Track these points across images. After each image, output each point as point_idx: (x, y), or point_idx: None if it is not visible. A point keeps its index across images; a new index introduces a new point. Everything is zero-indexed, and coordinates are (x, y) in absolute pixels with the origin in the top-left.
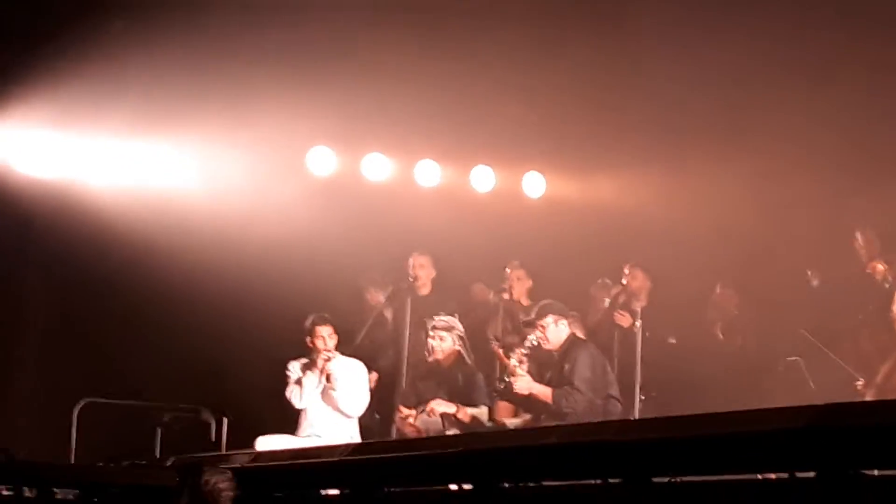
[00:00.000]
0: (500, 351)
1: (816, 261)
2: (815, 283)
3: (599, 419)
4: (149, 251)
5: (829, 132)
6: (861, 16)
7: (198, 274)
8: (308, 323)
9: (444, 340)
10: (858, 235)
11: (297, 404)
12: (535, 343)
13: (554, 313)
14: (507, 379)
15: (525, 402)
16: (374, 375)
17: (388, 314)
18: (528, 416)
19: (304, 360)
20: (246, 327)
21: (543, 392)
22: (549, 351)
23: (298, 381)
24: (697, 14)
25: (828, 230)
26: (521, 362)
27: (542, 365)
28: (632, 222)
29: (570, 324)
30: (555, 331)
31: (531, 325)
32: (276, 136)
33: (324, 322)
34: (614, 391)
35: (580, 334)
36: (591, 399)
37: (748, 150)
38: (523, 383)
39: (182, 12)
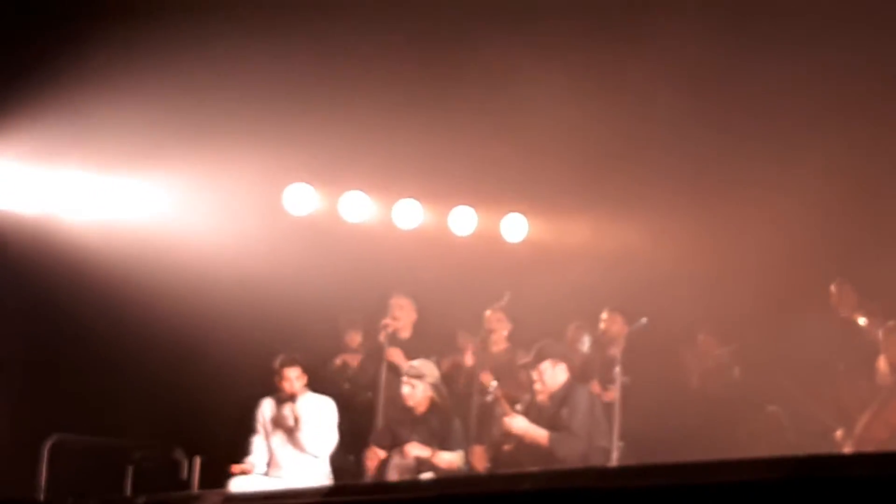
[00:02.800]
0: (501, 394)
1: (798, 309)
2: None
3: (581, 466)
4: (123, 288)
5: (815, 181)
6: (858, 66)
7: (172, 311)
8: (277, 363)
9: (416, 388)
10: (834, 289)
11: (252, 457)
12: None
13: (551, 356)
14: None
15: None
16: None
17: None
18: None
19: (274, 399)
20: (220, 366)
21: (539, 435)
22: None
23: (266, 423)
24: (682, 61)
25: (808, 279)
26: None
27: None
28: (612, 265)
29: (567, 368)
30: (552, 374)
31: (529, 367)
32: (254, 174)
33: (291, 363)
34: (605, 442)
35: None
36: (586, 447)
37: (732, 198)
38: (520, 423)
39: (160, 48)
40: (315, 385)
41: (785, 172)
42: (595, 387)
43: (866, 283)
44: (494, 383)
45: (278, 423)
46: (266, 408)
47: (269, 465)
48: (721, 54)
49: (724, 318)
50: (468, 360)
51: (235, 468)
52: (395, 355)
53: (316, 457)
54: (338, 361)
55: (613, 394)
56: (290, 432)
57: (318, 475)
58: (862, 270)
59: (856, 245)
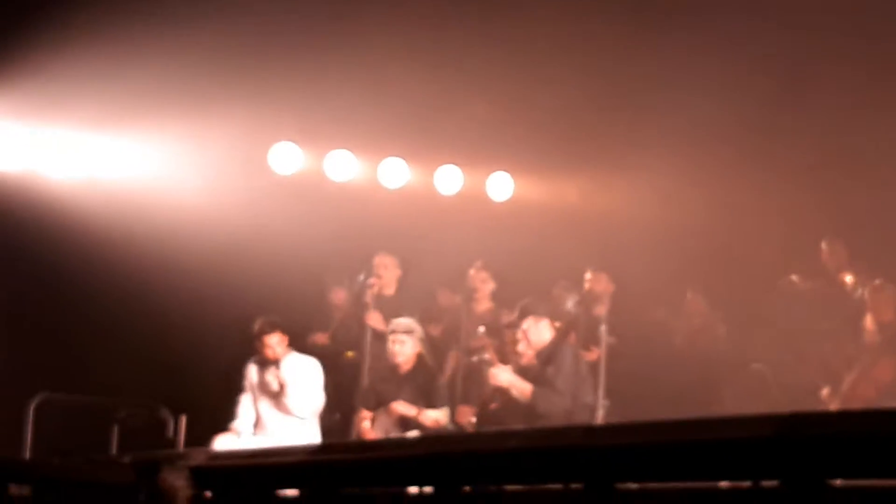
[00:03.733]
0: (487, 342)
1: (784, 268)
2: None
3: (565, 423)
4: (108, 246)
5: (800, 141)
6: (834, 27)
7: (157, 270)
8: (255, 329)
9: (405, 344)
10: (825, 246)
11: (238, 420)
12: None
13: (534, 314)
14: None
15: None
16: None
17: (352, 314)
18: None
19: (259, 363)
20: (205, 325)
21: (522, 388)
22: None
23: (253, 387)
24: (664, 21)
25: (797, 237)
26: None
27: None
28: (598, 225)
29: (551, 325)
30: (536, 332)
31: (513, 326)
32: (240, 132)
33: (271, 329)
34: (589, 398)
35: None
36: (568, 404)
37: (719, 155)
38: (505, 376)
39: (145, 6)
40: (299, 344)
41: (774, 135)
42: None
43: (855, 242)
44: (482, 329)
45: (263, 387)
46: (252, 370)
47: (255, 426)
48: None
49: (711, 277)
50: (450, 318)
51: (219, 436)
52: (375, 319)
53: (303, 419)
54: (314, 340)
55: (598, 353)
56: (276, 396)
57: (307, 436)
58: (851, 230)
59: (845, 205)
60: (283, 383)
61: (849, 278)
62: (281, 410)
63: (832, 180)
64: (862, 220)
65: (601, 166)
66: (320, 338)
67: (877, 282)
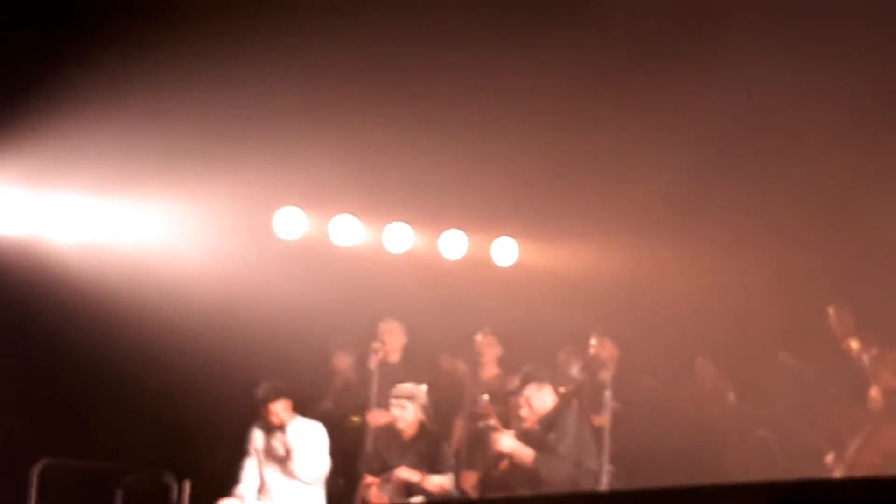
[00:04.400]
0: (491, 410)
1: (791, 335)
2: (790, 363)
3: (570, 489)
4: (113, 311)
5: (803, 208)
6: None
7: (162, 335)
8: (260, 395)
9: (406, 409)
10: (832, 311)
11: (242, 486)
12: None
13: (536, 380)
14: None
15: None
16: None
17: (356, 378)
18: None
19: (264, 429)
20: (210, 390)
21: (525, 455)
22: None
23: (258, 452)
24: (667, 89)
25: (803, 304)
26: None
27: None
28: (603, 291)
29: (553, 391)
30: (539, 398)
31: (514, 393)
32: (244, 197)
33: (276, 396)
34: (593, 464)
35: None
36: (571, 470)
37: (722, 224)
38: (507, 442)
39: (151, 73)
40: (304, 410)
41: (780, 197)
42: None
43: (861, 309)
44: (486, 397)
45: (269, 452)
46: (256, 436)
47: (260, 491)
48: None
49: (719, 343)
50: (456, 383)
51: (220, 501)
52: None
53: (309, 484)
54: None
55: (604, 419)
56: (282, 462)
57: (312, 501)
58: (856, 296)
59: (850, 270)
60: (289, 448)
61: (854, 344)
62: (287, 475)
63: (833, 242)
64: (867, 284)
65: (606, 232)
66: (325, 403)
67: (874, 350)
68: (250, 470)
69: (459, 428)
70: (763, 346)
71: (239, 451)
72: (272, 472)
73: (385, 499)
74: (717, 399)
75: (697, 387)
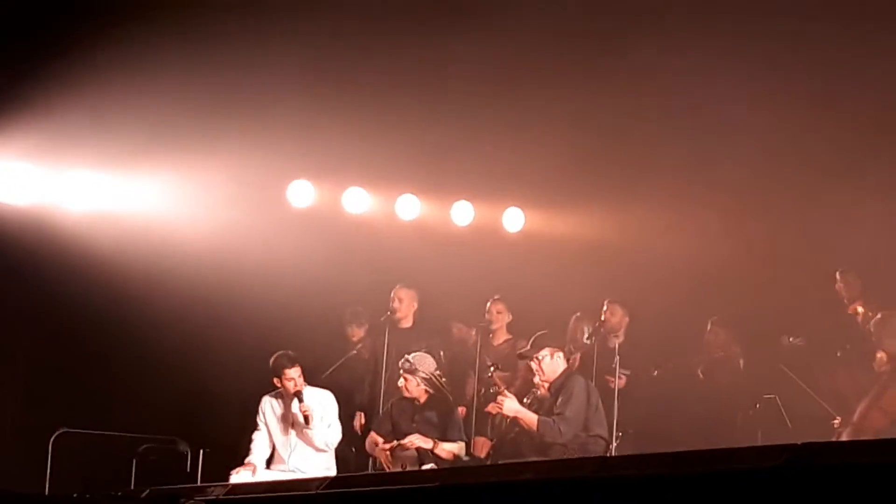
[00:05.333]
0: (498, 378)
1: (798, 299)
2: (797, 342)
3: (580, 455)
4: (127, 282)
5: (814, 171)
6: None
7: (176, 305)
8: (274, 363)
9: (409, 381)
10: (838, 277)
11: (252, 456)
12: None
13: (549, 346)
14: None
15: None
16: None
17: (367, 349)
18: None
19: (277, 396)
20: (224, 359)
21: (529, 418)
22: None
23: (269, 421)
24: (675, 53)
25: (810, 268)
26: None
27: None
28: (611, 257)
29: (564, 357)
30: (550, 364)
31: (527, 356)
32: (257, 169)
33: (291, 364)
34: (602, 431)
35: None
36: (577, 434)
37: (732, 187)
38: (510, 405)
39: (163, 45)
40: (314, 378)
41: (789, 161)
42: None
43: (867, 273)
44: (492, 368)
45: (285, 420)
46: (268, 406)
47: (271, 460)
48: (710, 51)
49: (728, 308)
50: (468, 350)
51: (235, 471)
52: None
53: (326, 451)
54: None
55: (613, 384)
56: (298, 429)
57: (325, 467)
58: (864, 258)
59: (858, 234)
60: (307, 415)
61: (860, 309)
62: (304, 442)
63: (850, 211)
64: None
65: (615, 198)
66: (337, 371)
67: (878, 315)
68: (260, 440)
69: (470, 395)
70: (772, 312)
71: (253, 420)
72: (287, 441)
73: (397, 465)
74: (728, 364)
75: (708, 352)
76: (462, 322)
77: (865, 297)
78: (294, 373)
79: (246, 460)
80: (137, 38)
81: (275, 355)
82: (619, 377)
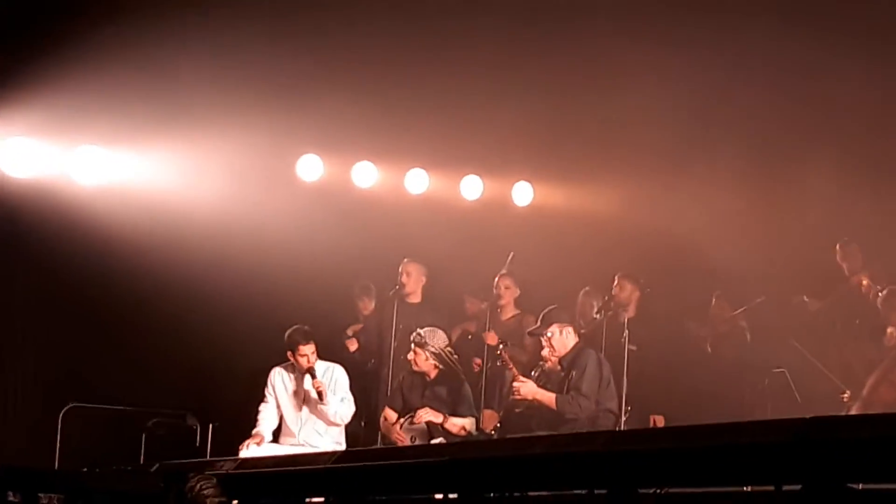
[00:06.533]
0: (508, 356)
1: (806, 273)
2: (813, 306)
3: (589, 429)
4: (136, 256)
5: (822, 144)
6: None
7: (185, 279)
8: (289, 338)
9: (418, 356)
10: (839, 249)
11: (259, 427)
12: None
13: (559, 321)
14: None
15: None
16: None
17: (375, 322)
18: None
19: (288, 369)
20: (233, 333)
21: (547, 398)
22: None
23: (278, 394)
24: (680, 29)
25: (817, 242)
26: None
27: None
28: (621, 231)
29: (574, 332)
30: (560, 339)
31: (537, 333)
32: (266, 144)
33: (306, 340)
34: (613, 405)
35: None
36: (595, 407)
37: (743, 162)
38: (528, 388)
39: (171, 21)
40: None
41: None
42: None
43: (871, 247)
44: (501, 346)
45: (297, 395)
46: (278, 378)
47: (279, 433)
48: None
49: (736, 282)
50: (477, 325)
51: (243, 444)
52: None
53: (340, 424)
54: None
55: (618, 356)
56: (313, 405)
57: (335, 442)
58: (867, 234)
59: (862, 206)
60: (321, 391)
61: (865, 280)
62: (320, 417)
63: (860, 187)
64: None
65: (623, 172)
66: (350, 344)
67: (884, 291)
68: (268, 412)
69: (480, 369)
70: (780, 284)
71: (262, 394)
72: (297, 416)
73: (407, 440)
74: (734, 337)
75: (713, 326)
76: (475, 297)
77: (868, 270)
78: (308, 349)
79: (253, 431)
80: (146, 12)
81: (290, 329)
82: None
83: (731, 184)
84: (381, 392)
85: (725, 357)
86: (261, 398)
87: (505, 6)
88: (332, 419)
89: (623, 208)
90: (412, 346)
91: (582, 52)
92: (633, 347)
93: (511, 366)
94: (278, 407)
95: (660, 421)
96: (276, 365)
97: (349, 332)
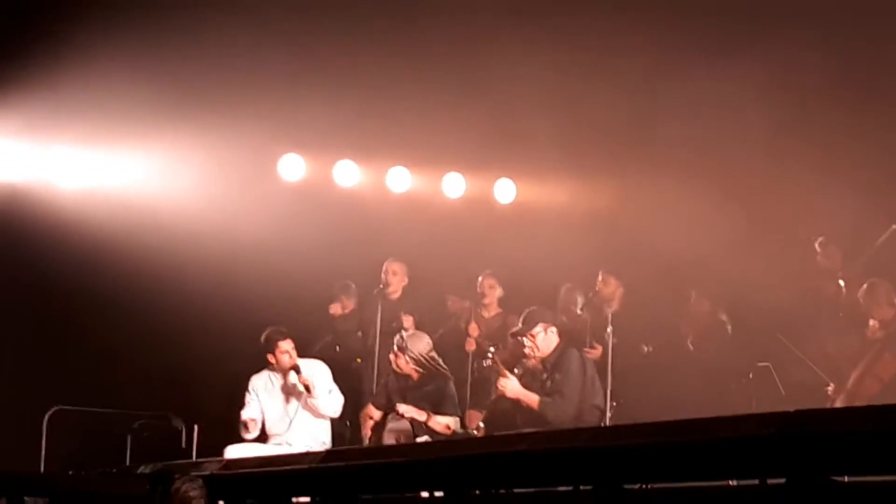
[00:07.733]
0: (500, 361)
1: (787, 268)
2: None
3: (574, 425)
4: (118, 258)
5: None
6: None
7: (168, 280)
8: (266, 338)
9: (399, 358)
10: (818, 248)
11: (248, 432)
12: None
13: (542, 321)
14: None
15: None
16: None
17: (356, 322)
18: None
19: (267, 374)
20: (217, 334)
21: (531, 399)
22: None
23: (262, 397)
24: (670, 28)
25: (796, 238)
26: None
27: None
28: (604, 228)
29: (558, 331)
30: (544, 339)
31: (521, 334)
32: (248, 144)
33: (283, 337)
34: (598, 401)
35: None
36: (578, 409)
37: (720, 160)
38: (513, 387)
39: (152, 21)
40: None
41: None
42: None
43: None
44: (493, 349)
45: (285, 391)
46: (259, 382)
47: (268, 434)
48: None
49: (715, 277)
50: (461, 325)
51: (244, 428)
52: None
53: (334, 416)
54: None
55: (599, 351)
56: (303, 401)
57: (320, 441)
58: (846, 226)
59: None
60: (308, 385)
61: (841, 283)
62: (310, 412)
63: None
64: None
65: (606, 168)
66: (328, 345)
67: (864, 285)
68: (249, 412)
69: (464, 368)
70: (757, 280)
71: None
72: (283, 414)
73: (391, 438)
74: (716, 333)
75: (694, 322)
76: (457, 296)
77: (845, 269)
78: (287, 345)
79: (243, 418)
80: (126, 13)
81: (266, 331)
82: (594, 347)
83: (718, 180)
84: (366, 392)
85: (708, 353)
86: (244, 400)
87: (484, 5)
88: (325, 412)
89: (606, 205)
90: (394, 348)
91: (560, 50)
92: (615, 341)
93: (500, 367)
94: (262, 411)
95: None
96: (253, 373)
97: (358, 360)
